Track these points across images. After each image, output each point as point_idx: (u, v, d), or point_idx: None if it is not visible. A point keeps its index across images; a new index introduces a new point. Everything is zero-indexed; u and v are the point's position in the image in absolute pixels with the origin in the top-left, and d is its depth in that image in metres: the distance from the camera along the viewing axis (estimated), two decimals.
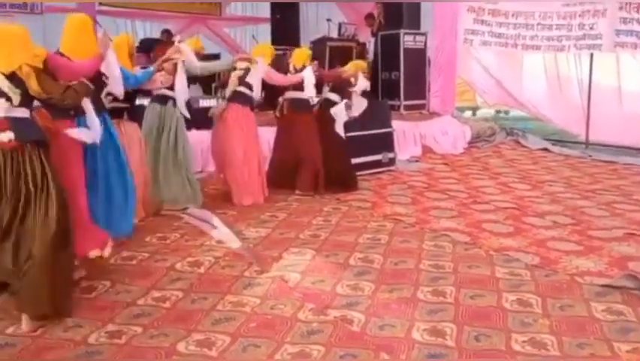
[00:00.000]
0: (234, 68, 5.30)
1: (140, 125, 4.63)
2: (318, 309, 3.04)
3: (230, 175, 5.32)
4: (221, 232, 4.34)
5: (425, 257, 3.87)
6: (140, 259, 3.76)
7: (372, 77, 9.35)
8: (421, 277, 3.51)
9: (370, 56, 9.74)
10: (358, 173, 6.19)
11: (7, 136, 2.84)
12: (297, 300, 3.15)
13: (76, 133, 3.31)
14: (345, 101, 5.81)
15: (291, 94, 5.67)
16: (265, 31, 10.24)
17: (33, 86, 2.85)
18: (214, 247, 4.03)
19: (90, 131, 3.34)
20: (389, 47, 8.91)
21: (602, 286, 3.33)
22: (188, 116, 4.92)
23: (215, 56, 7.69)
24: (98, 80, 3.59)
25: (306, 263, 3.74)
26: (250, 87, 5.29)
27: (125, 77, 3.88)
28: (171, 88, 4.72)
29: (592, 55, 8.62)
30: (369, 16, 9.68)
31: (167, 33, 8.99)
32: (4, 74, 2.83)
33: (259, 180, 5.38)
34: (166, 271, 3.57)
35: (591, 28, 8.43)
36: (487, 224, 4.67)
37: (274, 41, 9.48)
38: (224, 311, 3.02)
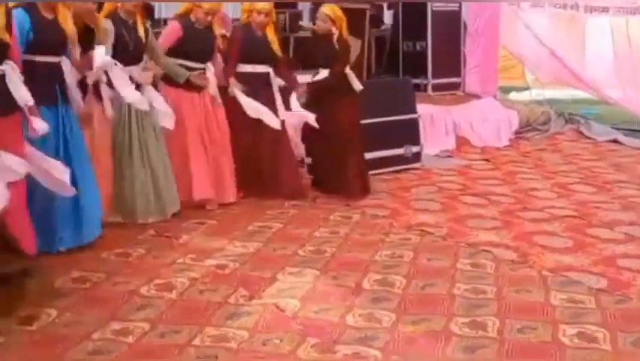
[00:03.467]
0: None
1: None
2: (324, 345, 3.06)
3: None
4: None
5: (460, 279, 3.89)
6: (94, 282, 3.79)
7: (391, 48, 9.39)
8: (454, 304, 3.54)
9: (388, 22, 9.77)
10: (373, 172, 6.19)
11: None
12: (296, 333, 3.18)
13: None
14: None
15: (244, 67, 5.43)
16: None
17: None
18: (190, 266, 4.05)
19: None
20: (413, 11, 8.91)
21: None
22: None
23: None
24: None
25: (307, 287, 3.76)
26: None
27: None
28: None
29: None
30: None
31: None
32: None
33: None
34: (128, 297, 3.59)
35: None
36: (540, 237, 4.69)
37: (277, 4, 9.50)
38: (203, 348, 3.04)
